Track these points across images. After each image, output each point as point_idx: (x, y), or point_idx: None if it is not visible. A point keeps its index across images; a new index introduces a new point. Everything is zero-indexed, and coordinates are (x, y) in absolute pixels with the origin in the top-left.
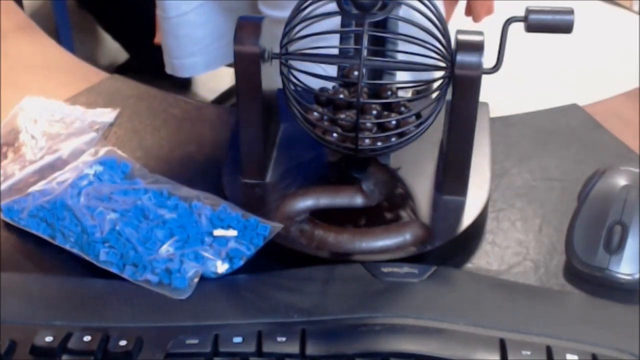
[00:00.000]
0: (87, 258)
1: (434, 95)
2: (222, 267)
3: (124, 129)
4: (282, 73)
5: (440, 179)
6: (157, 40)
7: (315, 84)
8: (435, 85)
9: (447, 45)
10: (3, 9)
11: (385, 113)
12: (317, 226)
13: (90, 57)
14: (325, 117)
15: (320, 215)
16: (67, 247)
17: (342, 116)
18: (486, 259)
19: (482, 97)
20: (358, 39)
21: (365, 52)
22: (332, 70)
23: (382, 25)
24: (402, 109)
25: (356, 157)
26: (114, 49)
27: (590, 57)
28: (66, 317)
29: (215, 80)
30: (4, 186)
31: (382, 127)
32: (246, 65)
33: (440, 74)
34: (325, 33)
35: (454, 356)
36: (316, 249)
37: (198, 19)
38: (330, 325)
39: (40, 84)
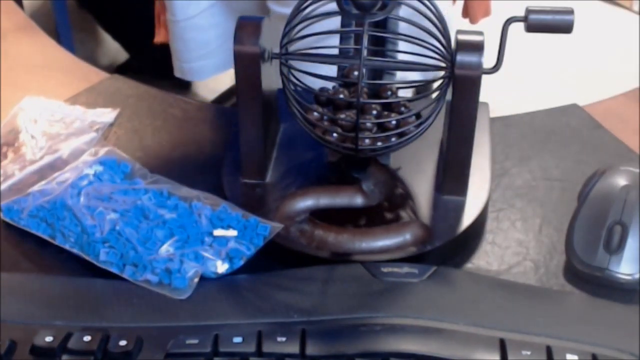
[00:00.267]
0: (87, 258)
1: (434, 95)
2: (222, 267)
3: (124, 129)
4: (282, 73)
5: (440, 179)
6: (157, 40)
7: (316, 84)
8: (435, 85)
9: (447, 45)
10: (3, 9)
11: (385, 113)
12: (317, 226)
13: (90, 57)
14: (325, 117)
15: (320, 215)
16: (67, 247)
17: (342, 116)
18: (486, 259)
19: (482, 97)
20: (358, 39)
21: (365, 52)
22: (332, 70)
23: (382, 25)
24: (402, 109)
25: (356, 157)
26: (114, 49)
27: (590, 57)
28: (66, 317)
29: (215, 80)
30: (4, 186)
31: (382, 127)
32: (246, 65)
33: (440, 74)
34: (325, 33)
35: (454, 356)
36: (316, 249)
37: (206, 22)
38: (330, 325)
39: (40, 84)
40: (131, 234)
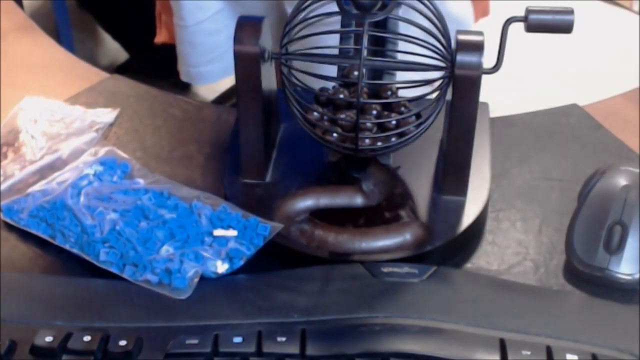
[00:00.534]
0: (87, 258)
1: (434, 95)
2: (222, 267)
3: (124, 129)
4: (282, 73)
5: (440, 179)
6: (157, 40)
7: (315, 84)
8: (435, 85)
9: (447, 45)
10: (3, 9)
11: (385, 113)
12: (317, 226)
13: (90, 57)
14: (325, 117)
15: (320, 215)
16: (67, 247)
17: (342, 116)
18: (486, 259)
19: (482, 97)
20: (358, 39)
21: (365, 52)
22: (332, 70)
23: (382, 25)
24: (402, 109)
25: (356, 157)
26: (114, 49)
27: (590, 57)
28: (66, 317)
29: None
30: (4, 186)
31: (382, 127)
32: (246, 65)
33: (440, 74)
34: (325, 33)
35: (454, 356)
36: (316, 249)
37: (215, 26)
38: (330, 325)
39: (40, 84)
40: (131, 234)
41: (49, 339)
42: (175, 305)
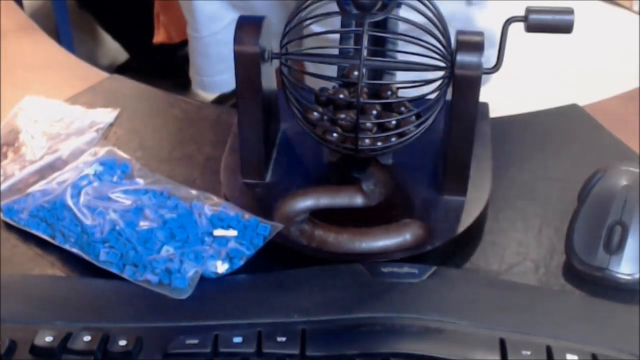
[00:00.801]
0: (87, 258)
1: (434, 95)
2: (222, 267)
3: (124, 129)
4: (282, 73)
5: (440, 179)
6: (156, 40)
7: (316, 84)
8: (435, 85)
9: (447, 45)
10: (3, 9)
11: (386, 113)
12: (317, 226)
13: (90, 57)
14: (325, 117)
15: (320, 215)
16: (67, 247)
17: (342, 116)
18: (486, 259)
19: (482, 97)
20: (358, 39)
21: (365, 52)
22: (332, 70)
23: (382, 25)
24: (402, 109)
25: (356, 157)
26: (114, 49)
27: (590, 57)
28: (66, 317)
29: None
30: (4, 186)
31: (382, 127)
32: (246, 65)
33: (440, 74)
34: (325, 33)
35: (454, 356)
36: (316, 249)
37: (229, 37)
38: (330, 325)
39: (40, 84)
40: (131, 234)
41: (49, 339)
42: (175, 305)
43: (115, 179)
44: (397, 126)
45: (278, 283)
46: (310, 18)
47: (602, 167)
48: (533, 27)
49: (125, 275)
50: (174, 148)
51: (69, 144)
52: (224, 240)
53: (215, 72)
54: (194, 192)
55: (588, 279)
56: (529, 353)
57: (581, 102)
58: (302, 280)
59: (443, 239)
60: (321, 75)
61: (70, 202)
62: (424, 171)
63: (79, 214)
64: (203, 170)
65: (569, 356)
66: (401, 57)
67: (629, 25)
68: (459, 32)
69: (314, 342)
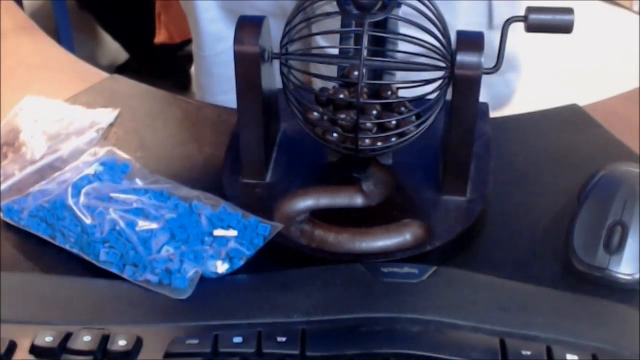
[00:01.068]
0: (87, 258)
1: (434, 95)
2: (222, 267)
3: (124, 129)
4: (282, 73)
5: (440, 179)
6: (157, 40)
7: (315, 84)
8: (435, 85)
9: (447, 45)
10: (3, 9)
11: (386, 113)
12: (317, 226)
13: (90, 57)
14: (325, 117)
15: (320, 215)
16: (67, 247)
17: (342, 116)
18: (486, 259)
19: (482, 97)
20: (358, 39)
21: (365, 52)
22: (332, 70)
23: (382, 25)
24: (402, 109)
25: (356, 157)
26: (114, 49)
27: (590, 57)
28: (66, 317)
29: None
30: (4, 186)
31: (382, 127)
32: (246, 65)
33: (440, 73)
34: (325, 33)
35: (454, 356)
36: (316, 249)
37: (232, 58)
38: (330, 325)
39: (40, 84)
40: (131, 234)
41: (49, 339)
42: (175, 305)
43: (115, 179)
44: (397, 126)
45: (278, 283)
46: (310, 18)
47: (602, 167)
48: (533, 27)
49: (125, 275)
50: (174, 148)
51: (69, 144)
52: (224, 240)
53: (218, 92)
54: (194, 192)
55: (588, 279)
56: (529, 353)
57: (581, 102)
58: (302, 280)
59: (443, 239)
60: (321, 75)
61: (70, 202)
62: (424, 171)
63: (79, 214)
64: (203, 170)
65: (569, 356)
66: (401, 57)
67: (629, 25)
68: (458, 32)
69: (314, 342)
